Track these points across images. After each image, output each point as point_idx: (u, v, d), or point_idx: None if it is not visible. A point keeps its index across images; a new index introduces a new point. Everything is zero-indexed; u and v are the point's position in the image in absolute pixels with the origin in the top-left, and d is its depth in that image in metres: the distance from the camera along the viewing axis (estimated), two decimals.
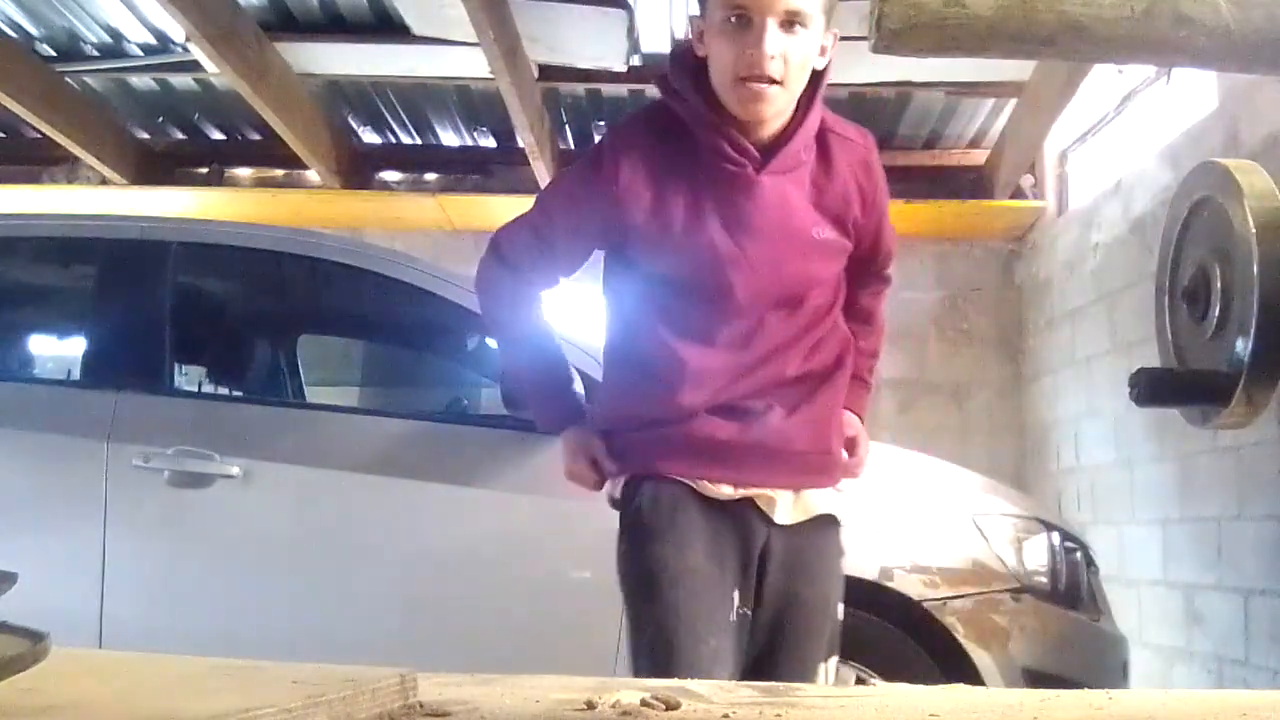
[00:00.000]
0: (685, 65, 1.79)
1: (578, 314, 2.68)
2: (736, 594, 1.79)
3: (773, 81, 1.70)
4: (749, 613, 1.81)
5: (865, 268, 1.95)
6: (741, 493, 1.82)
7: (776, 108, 1.74)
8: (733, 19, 1.69)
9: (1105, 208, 5.74)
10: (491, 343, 2.12)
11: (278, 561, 3.02)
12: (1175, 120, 5.10)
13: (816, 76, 1.77)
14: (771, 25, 1.67)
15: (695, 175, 1.77)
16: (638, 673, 1.74)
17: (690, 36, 1.80)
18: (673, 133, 1.79)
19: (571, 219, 1.85)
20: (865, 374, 2.01)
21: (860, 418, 2.00)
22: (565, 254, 1.88)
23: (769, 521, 1.83)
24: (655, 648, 1.74)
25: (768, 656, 1.82)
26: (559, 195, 1.91)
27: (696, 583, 1.76)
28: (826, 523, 1.89)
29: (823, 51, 1.76)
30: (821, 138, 1.83)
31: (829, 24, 1.76)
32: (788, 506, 1.84)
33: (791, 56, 1.70)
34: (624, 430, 1.88)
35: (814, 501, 1.87)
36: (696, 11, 1.80)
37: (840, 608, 1.90)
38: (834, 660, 1.88)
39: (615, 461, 1.89)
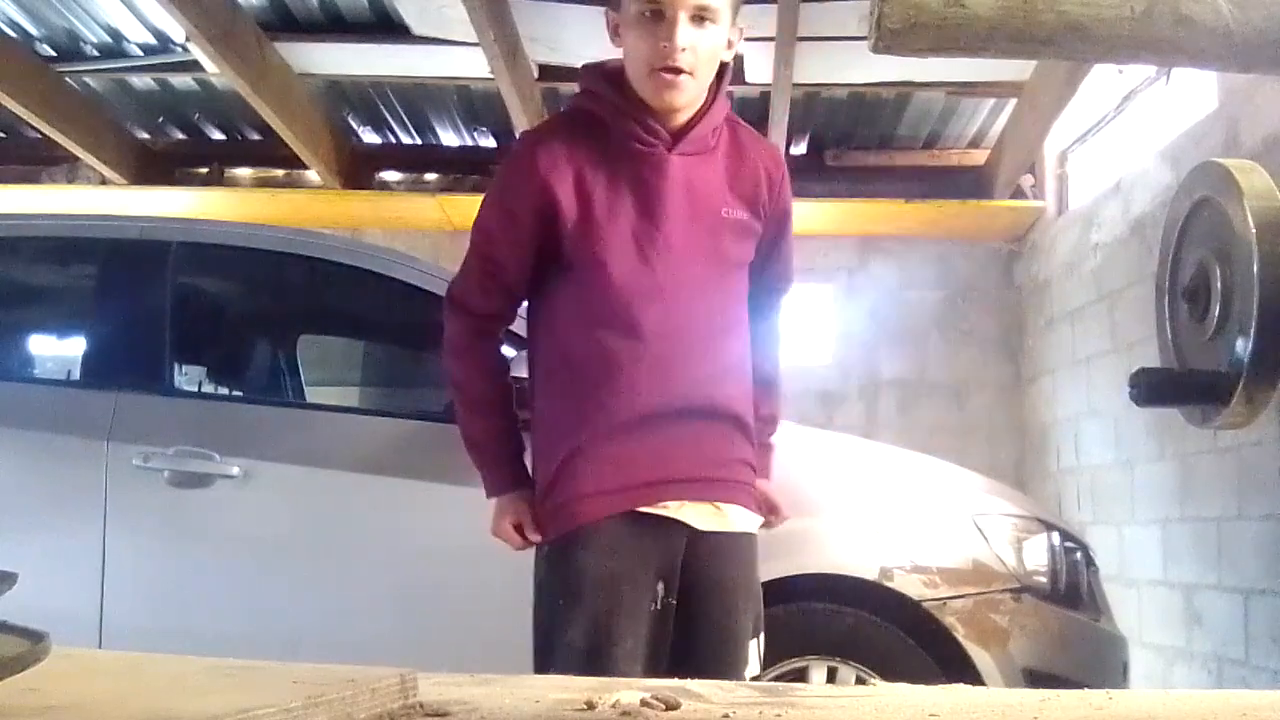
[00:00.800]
0: (599, 72, 1.97)
1: None
2: (661, 585, 1.90)
3: (683, 72, 1.84)
4: (674, 602, 1.91)
5: (762, 276, 2.04)
6: (665, 511, 1.91)
7: (688, 96, 1.88)
8: (647, 13, 1.83)
9: (1105, 208, 5.74)
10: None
11: (278, 561, 3.01)
12: (1175, 120, 5.10)
13: (723, 68, 1.93)
14: (683, 19, 1.82)
15: (611, 161, 1.90)
16: (543, 671, 1.83)
17: (607, 29, 1.94)
18: (587, 129, 1.93)
19: (510, 231, 1.93)
20: (766, 439, 2.12)
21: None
22: (515, 271, 1.96)
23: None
24: (570, 653, 1.85)
25: (695, 637, 1.93)
26: (493, 212, 1.97)
27: (618, 586, 1.87)
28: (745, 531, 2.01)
29: (729, 45, 1.91)
30: (734, 132, 1.99)
31: (735, 19, 1.90)
32: (708, 516, 1.94)
33: (701, 49, 1.84)
34: (556, 470, 1.92)
35: (734, 518, 1.97)
36: (613, 8, 1.92)
37: (760, 591, 2.05)
38: (760, 638, 2.01)
39: (544, 527, 1.96)
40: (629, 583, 1.87)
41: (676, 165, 1.91)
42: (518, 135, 2.05)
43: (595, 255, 1.89)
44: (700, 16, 1.83)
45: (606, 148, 1.91)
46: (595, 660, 1.81)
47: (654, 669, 1.87)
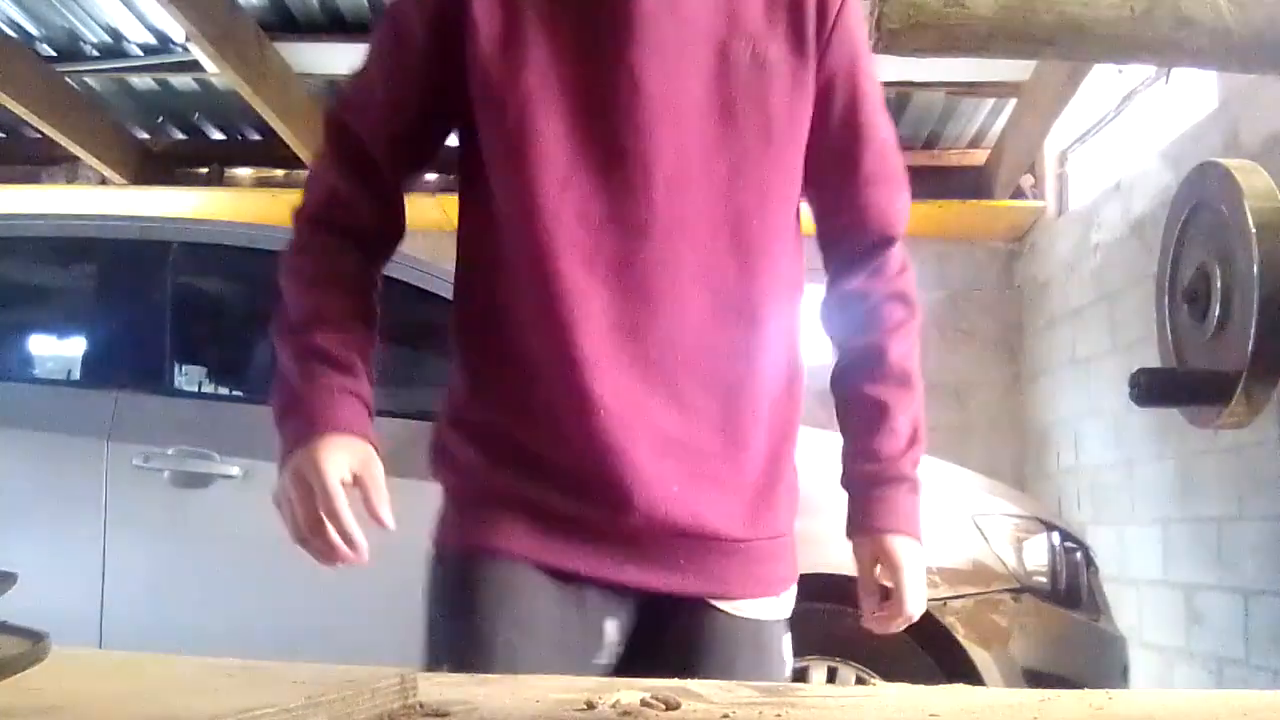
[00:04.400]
0: None
1: None
2: (611, 625, 1.28)
3: None
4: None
5: (838, 199, 1.32)
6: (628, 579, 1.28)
7: None
8: None
9: (1105, 208, 5.74)
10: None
11: (278, 561, 3.00)
12: (1175, 120, 5.10)
13: None
14: None
15: None
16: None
17: None
18: None
19: (397, 52, 1.27)
20: (904, 467, 1.43)
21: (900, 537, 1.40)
22: (394, 112, 1.29)
23: None
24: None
25: None
26: (380, 30, 1.31)
27: (532, 622, 1.29)
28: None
29: None
30: None
31: None
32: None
33: None
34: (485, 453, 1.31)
35: (744, 606, 1.35)
36: None
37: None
38: None
39: (454, 516, 1.38)
40: (563, 624, 1.24)
41: None
42: None
43: (518, 105, 1.19)
44: None
45: None
46: None
47: None
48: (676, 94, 1.18)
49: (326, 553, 1.32)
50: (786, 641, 1.35)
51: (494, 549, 1.27)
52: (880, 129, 1.36)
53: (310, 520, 1.31)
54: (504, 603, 1.24)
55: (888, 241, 1.38)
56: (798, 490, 1.42)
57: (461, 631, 1.29)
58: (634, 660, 1.24)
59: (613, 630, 1.25)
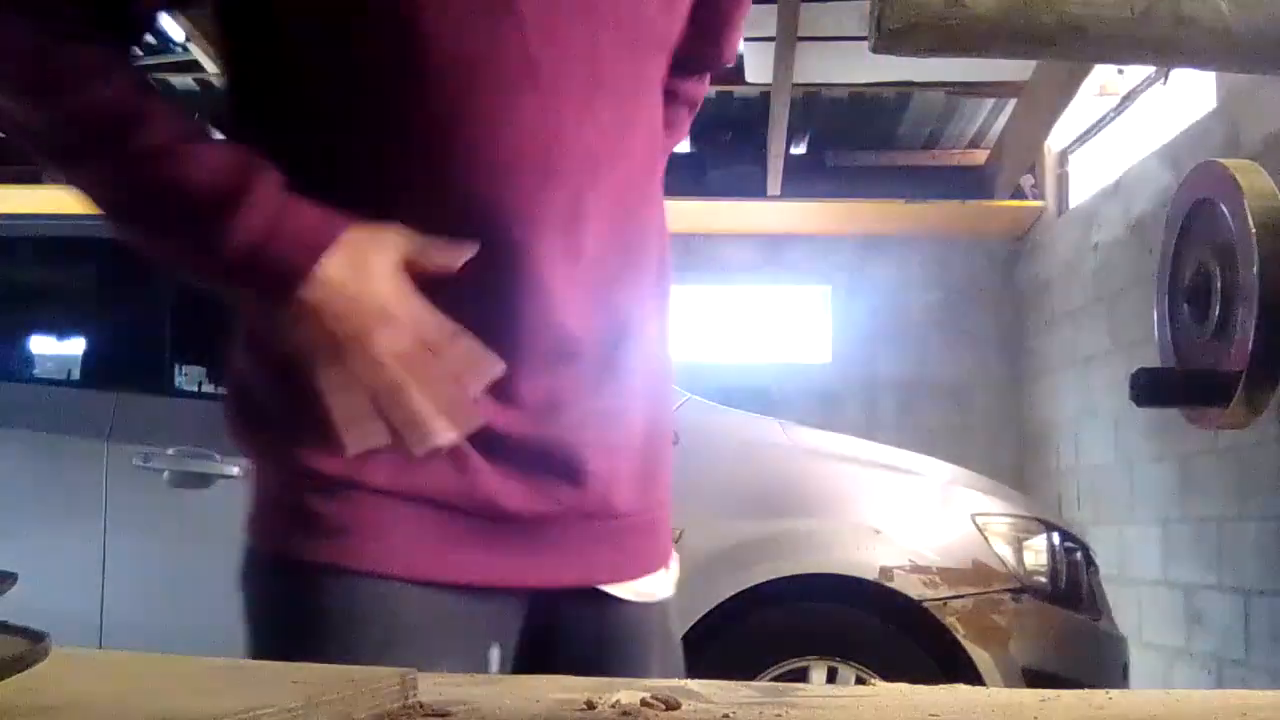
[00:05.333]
0: None
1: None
2: (495, 651, 1.03)
3: None
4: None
5: (683, 49, 1.06)
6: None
7: None
8: None
9: (1105, 208, 5.74)
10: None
11: None
12: (1175, 120, 5.10)
13: None
14: None
15: None
16: None
17: None
18: None
19: None
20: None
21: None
22: None
23: None
24: None
25: None
26: None
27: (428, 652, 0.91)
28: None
29: None
30: None
31: None
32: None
33: None
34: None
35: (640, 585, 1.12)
36: None
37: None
38: None
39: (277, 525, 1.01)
40: (447, 650, 0.94)
41: None
42: None
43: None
44: None
45: None
46: None
47: None
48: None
49: (453, 406, 0.88)
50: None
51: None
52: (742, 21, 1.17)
53: (407, 374, 0.86)
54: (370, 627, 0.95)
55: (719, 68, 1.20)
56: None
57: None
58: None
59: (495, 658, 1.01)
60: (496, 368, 0.89)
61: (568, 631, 1.04)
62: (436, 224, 0.88)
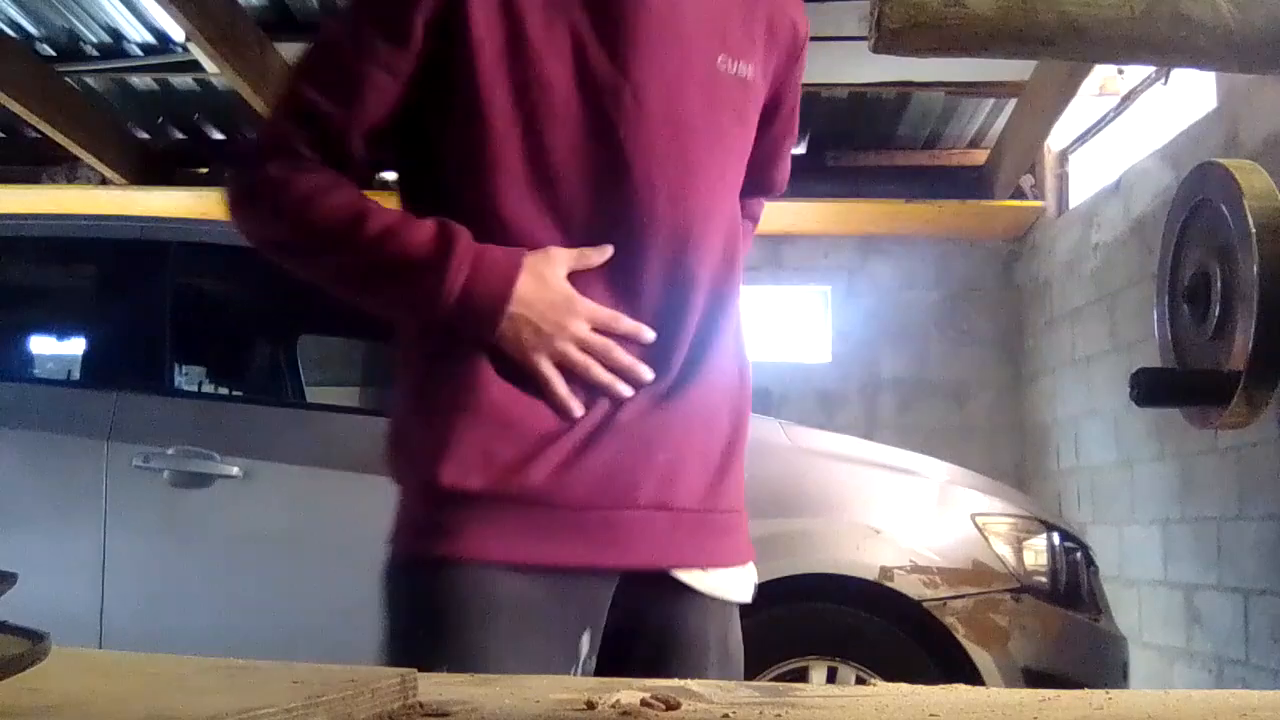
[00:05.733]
0: None
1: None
2: (587, 636, 1.24)
3: None
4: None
5: (751, 173, 1.37)
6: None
7: None
8: None
9: (1105, 208, 5.74)
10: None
11: (278, 561, 3.01)
12: (1175, 120, 5.10)
13: None
14: None
15: None
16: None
17: None
18: None
19: (385, 50, 1.20)
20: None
21: None
22: (366, 121, 1.22)
23: None
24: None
25: None
26: (355, 24, 1.24)
27: (511, 632, 1.22)
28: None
29: None
30: None
31: None
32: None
33: None
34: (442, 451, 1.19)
35: (714, 580, 1.36)
36: None
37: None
38: None
39: (414, 529, 1.24)
40: (544, 631, 1.20)
41: None
42: None
43: (526, 108, 1.19)
44: None
45: None
46: None
47: None
48: (675, 109, 1.24)
49: (629, 367, 1.22)
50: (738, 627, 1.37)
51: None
52: (794, 130, 1.48)
53: (597, 345, 1.20)
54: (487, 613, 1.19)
55: (774, 195, 1.52)
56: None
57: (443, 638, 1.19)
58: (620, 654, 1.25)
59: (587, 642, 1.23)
60: (649, 335, 1.22)
61: (644, 617, 1.24)
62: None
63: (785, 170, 1.49)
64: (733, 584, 1.32)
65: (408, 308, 1.25)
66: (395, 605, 1.23)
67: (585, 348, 1.19)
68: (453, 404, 1.19)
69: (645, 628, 1.25)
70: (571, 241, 1.21)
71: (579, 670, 1.20)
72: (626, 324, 1.21)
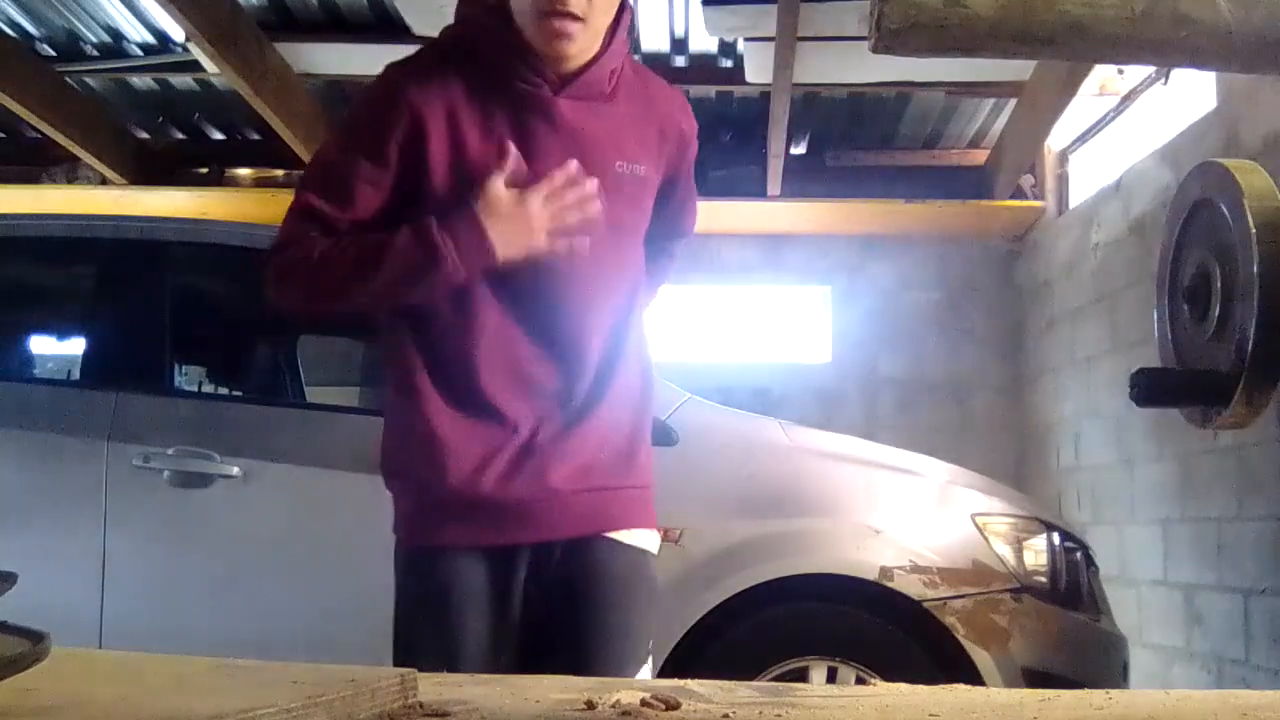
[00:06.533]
0: (480, 3, 1.74)
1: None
2: (520, 584, 1.78)
3: (575, 18, 1.63)
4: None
5: (654, 229, 1.85)
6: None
7: (580, 44, 1.67)
8: None
9: (1105, 208, 5.74)
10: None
11: (278, 561, 3.01)
12: (1175, 120, 5.10)
13: (622, 7, 1.72)
14: None
15: (489, 100, 1.68)
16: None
17: None
18: (462, 63, 1.70)
19: (367, 168, 1.66)
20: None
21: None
22: (359, 221, 1.68)
23: None
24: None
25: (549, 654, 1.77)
26: (345, 146, 1.71)
27: (468, 605, 1.76)
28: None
29: None
30: (638, 77, 1.80)
31: None
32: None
33: None
34: (413, 459, 1.72)
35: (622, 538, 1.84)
36: None
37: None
38: (647, 666, 1.82)
39: (404, 526, 1.77)
40: (493, 597, 1.71)
41: (565, 110, 1.69)
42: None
43: (461, 197, 1.65)
44: None
45: (484, 85, 1.68)
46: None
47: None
48: None
49: (586, 207, 1.67)
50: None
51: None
52: (693, 194, 1.97)
53: (553, 213, 1.66)
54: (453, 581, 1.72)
55: (687, 236, 2.03)
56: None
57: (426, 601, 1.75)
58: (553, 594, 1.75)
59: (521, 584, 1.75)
60: (574, 167, 1.66)
61: (576, 563, 1.74)
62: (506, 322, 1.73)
63: (692, 220, 1.99)
64: (645, 539, 1.80)
65: (429, 290, 1.66)
66: (398, 584, 1.75)
67: (553, 212, 1.65)
68: (417, 433, 1.70)
69: (586, 572, 1.75)
70: (499, 291, 1.69)
71: (516, 604, 1.72)
72: (559, 179, 1.65)
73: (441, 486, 1.68)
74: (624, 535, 1.77)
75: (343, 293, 1.69)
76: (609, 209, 1.68)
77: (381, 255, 1.63)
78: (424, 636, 1.71)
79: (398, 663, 1.57)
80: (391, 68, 1.73)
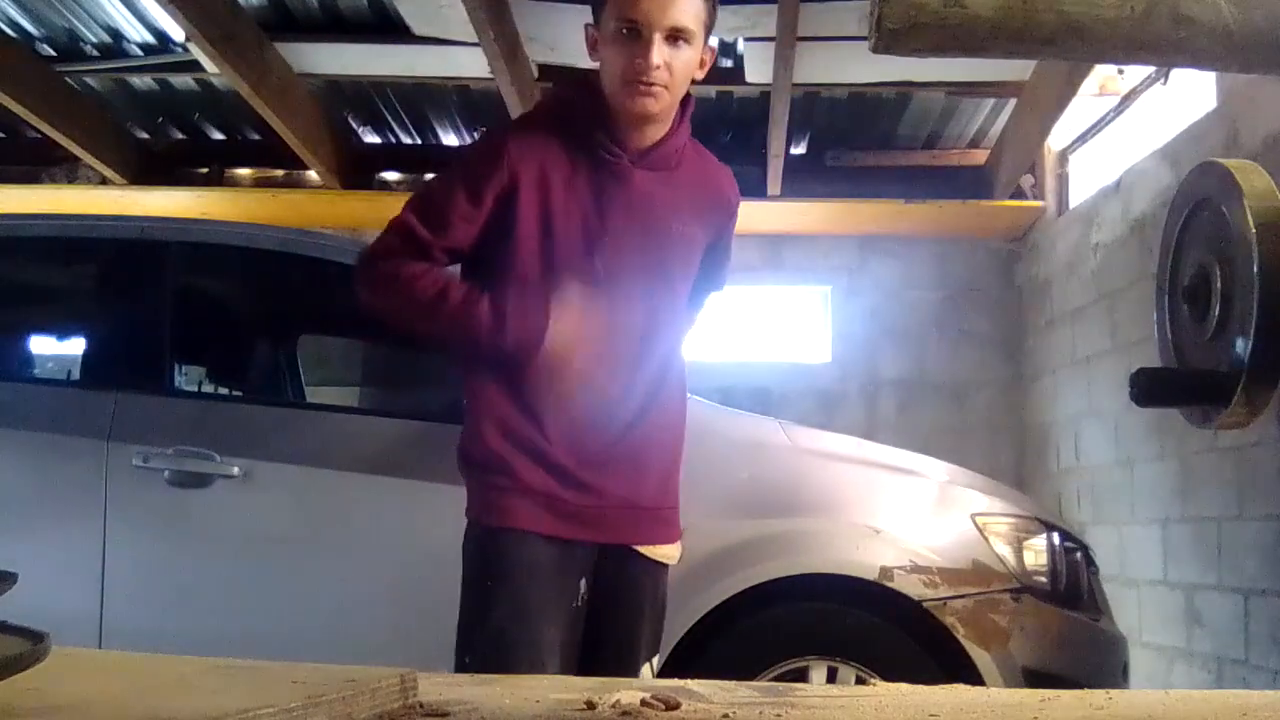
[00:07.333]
0: (577, 80, 2.11)
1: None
2: (584, 582, 2.02)
3: (656, 85, 1.94)
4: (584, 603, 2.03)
5: (698, 286, 2.19)
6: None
7: (661, 105, 1.97)
8: (624, 30, 1.93)
9: (1105, 208, 5.74)
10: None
11: (278, 561, 3.01)
12: (1175, 120, 5.10)
13: (687, 99, 2.05)
14: (658, 38, 1.92)
15: (577, 164, 2.00)
16: (464, 663, 1.92)
17: (586, 43, 2.05)
18: (561, 130, 2.02)
19: (467, 207, 1.98)
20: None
21: None
22: (455, 245, 2.00)
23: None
24: (490, 636, 1.93)
25: (596, 648, 2.05)
26: (453, 187, 2.01)
27: (548, 576, 1.97)
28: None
29: (702, 64, 2.02)
30: (697, 153, 2.13)
31: (707, 40, 2.01)
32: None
33: (675, 65, 1.95)
34: (490, 450, 1.99)
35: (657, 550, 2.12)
36: (594, 25, 2.02)
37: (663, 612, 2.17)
38: (656, 660, 2.14)
39: (475, 505, 2.03)
40: (559, 574, 1.97)
41: (638, 179, 2.02)
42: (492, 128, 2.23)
43: (547, 246, 1.98)
44: (675, 36, 1.93)
45: (574, 151, 2.01)
46: (517, 646, 1.90)
47: (568, 666, 1.95)
48: (638, 253, 2.03)
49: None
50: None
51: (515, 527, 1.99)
52: (730, 253, 2.26)
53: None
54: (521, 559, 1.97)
55: (720, 291, 2.34)
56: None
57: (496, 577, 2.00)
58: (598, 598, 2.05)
59: (584, 585, 2.04)
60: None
61: (618, 573, 2.05)
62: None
63: (726, 275, 2.29)
64: (668, 553, 2.12)
65: (473, 348, 1.99)
66: (468, 559, 2.00)
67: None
68: (498, 439, 2.00)
69: (619, 579, 2.05)
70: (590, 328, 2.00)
71: (580, 601, 2.00)
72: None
73: (528, 479, 1.97)
74: (657, 550, 2.09)
75: (413, 321, 2.02)
76: (666, 262, 2.05)
77: (460, 311, 1.95)
78: (501, 599, 1.94)
79: (466, 631, 1.96)
80: (501, 129, 2.10)
